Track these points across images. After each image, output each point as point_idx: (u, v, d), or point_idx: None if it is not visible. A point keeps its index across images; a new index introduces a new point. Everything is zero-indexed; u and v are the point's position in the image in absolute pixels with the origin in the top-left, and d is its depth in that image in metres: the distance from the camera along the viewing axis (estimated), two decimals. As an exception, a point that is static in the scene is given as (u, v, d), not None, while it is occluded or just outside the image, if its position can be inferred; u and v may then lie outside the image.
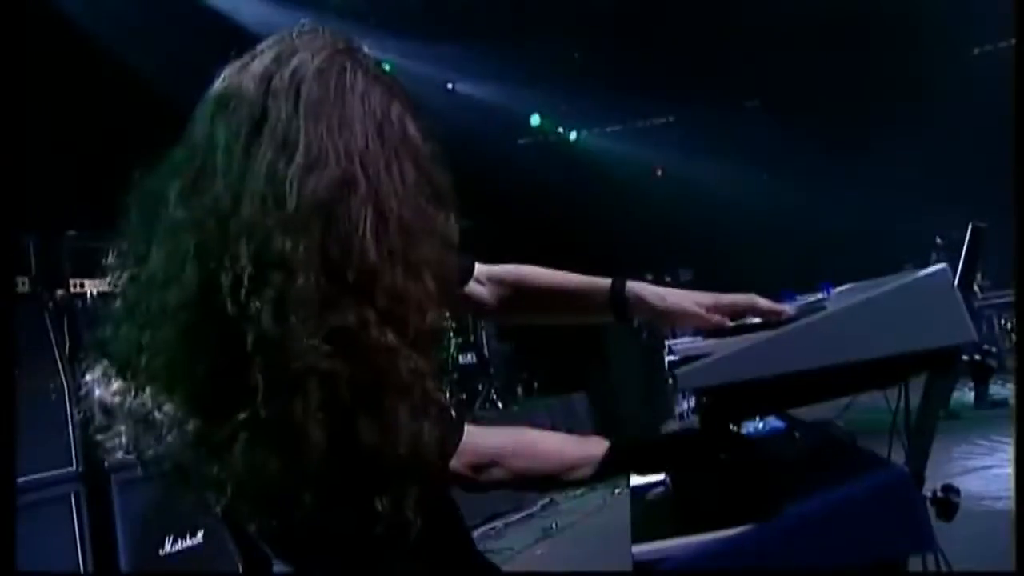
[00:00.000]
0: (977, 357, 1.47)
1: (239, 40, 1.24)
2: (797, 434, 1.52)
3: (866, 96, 10.91)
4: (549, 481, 1.31)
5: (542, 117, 12.07)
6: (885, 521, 1.08)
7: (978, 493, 4.81)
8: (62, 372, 3.90)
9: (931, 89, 10.29)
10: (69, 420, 3.90)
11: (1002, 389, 7.84)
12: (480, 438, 1.23)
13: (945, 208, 8.33)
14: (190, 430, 1.09)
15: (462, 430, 1.20)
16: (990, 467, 5.58)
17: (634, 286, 1.55)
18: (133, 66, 5.84)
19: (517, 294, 1.63)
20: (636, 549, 1.16)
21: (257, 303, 1.01)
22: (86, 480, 3.92)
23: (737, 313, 1.47)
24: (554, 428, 8.14)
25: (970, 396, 7.68)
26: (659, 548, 1.15)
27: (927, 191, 10.31)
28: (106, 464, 3.97)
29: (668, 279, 10.04)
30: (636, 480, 1.47)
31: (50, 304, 4.01)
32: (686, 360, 1.19)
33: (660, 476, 1.45)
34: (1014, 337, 9.42)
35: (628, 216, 11.86)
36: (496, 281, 1.64)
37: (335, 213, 1.05)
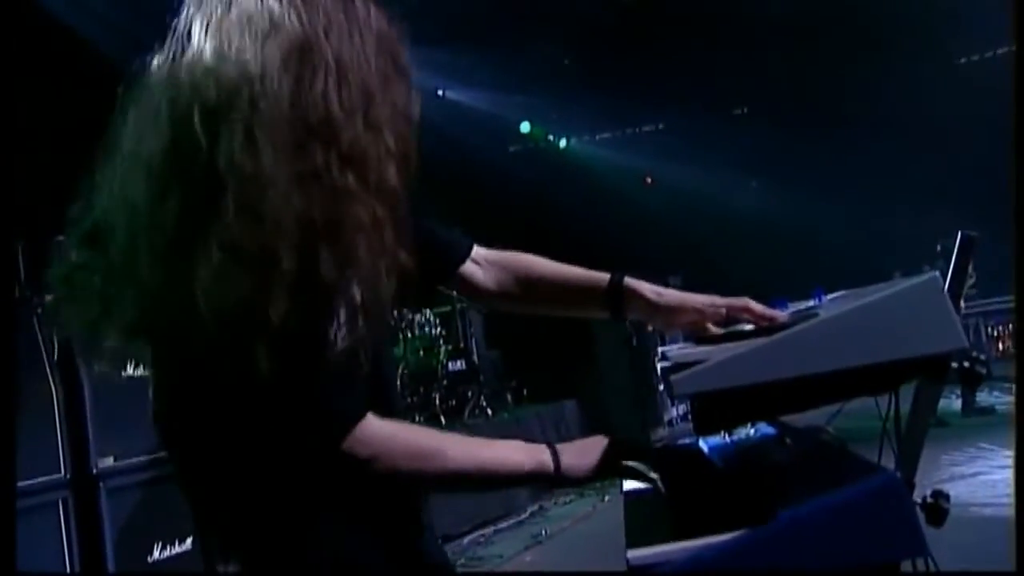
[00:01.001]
0: (967, 364, 1.50)
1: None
2: (788, 440, 1.53)
3: (853, 104, 10.99)
4: (433, 481, 1.29)
5: (532, 124, 12.10)
6: (877, 526, 1.09)
7: (966, 500, 4.85)
8: (51, 378, 3.88)
9: (917, 98, 10.37)
10: (58, 426, 3.87)
11: (988, 396, 7.91)
12: (365, 431, 1.21)
13: (934, 215, 8.39)
14: (158, 262, 1.13)
15: (361, 414, 1.20)
16: (978, 474, 5.62)
17: (631, 282, 1.57)
18: (127, 70, 5.83)
19: (515, 281, 1.63)
20: (631, 554, 1.17)
21: (228, 130, 1.11)
22: (74, 486, 3.90)
23: (732, 315, 1.49)
24: (544, 435, 8.15)
25: (958, 404, 7.73)
26: (655, 553, 1.16)
27: (915, 198, 10.39)
28: (95, 471, 3.97)
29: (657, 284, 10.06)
30: (629, 485, 1.48)
31: (39, 309, 3.98)
32: (680, 366, 1.20)
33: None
34: (1000, 345, 9.50)
35: (617, 223, 11.89)
36: (495, 265, 1.64)
37: (299, 72, 1.15)
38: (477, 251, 1.63)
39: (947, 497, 1.23)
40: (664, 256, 11.18)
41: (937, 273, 1.13)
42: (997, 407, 7.58)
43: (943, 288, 1.12)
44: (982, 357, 1.54)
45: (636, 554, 1.16)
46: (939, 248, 7.63)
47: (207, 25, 1.20)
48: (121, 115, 1.23)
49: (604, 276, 1.60)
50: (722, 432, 1.65)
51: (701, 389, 1.14)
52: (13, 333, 3.36)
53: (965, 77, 10.80)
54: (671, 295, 1.56)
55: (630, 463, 1.34)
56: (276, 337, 1.09)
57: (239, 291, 1.08)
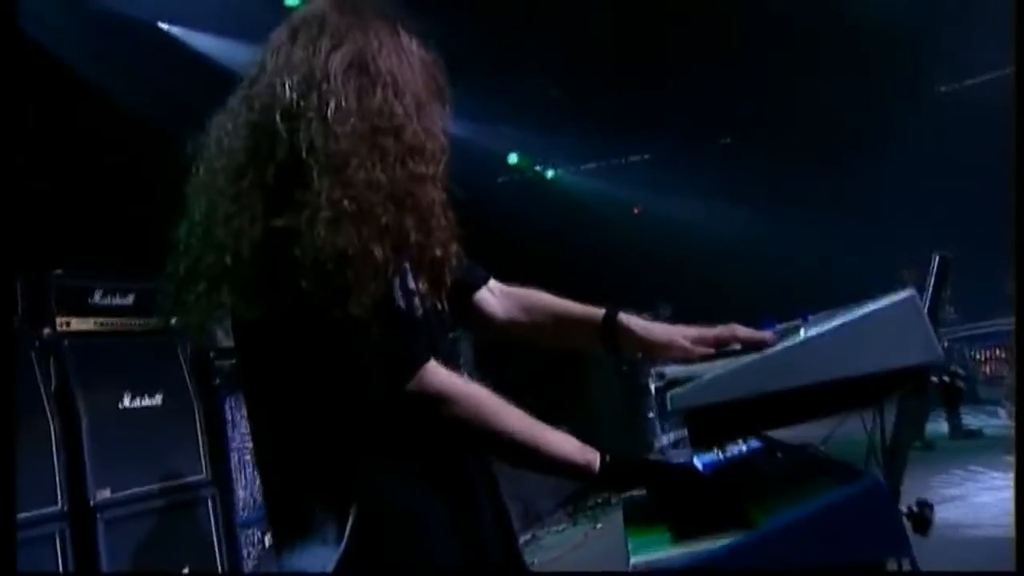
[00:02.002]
0: (946, 379, 1.59)
1: (224, 81, 1.54)
2: (779, 453, 1.62)
3: (836, 131, 11.18)
4: (485, 442, 1.43)
5: (520, 155, 12.22)
6: (862, 526, 1.17)
7: (956, 522, 4.91)
8: (48, 409, 3.93)
9: (901, 126, 10.57)
10: (55, 458, 3.90)
11: (976, 419, 8.01)
12: (436, 375, 1.39)
13: (917, 240, 8.53)
14: (262, 228, 1.34)
15: (428, 358, 1.38)
16: (967, 496, 5.69)
17: (624, 317, 1.69)
18: (119, 105, 5.92)
19: (522, 311, 1.77)
20: (634, 559, 1.24)
21: (306, 122, 1.34)
22: (71, 518, 3.93)
23: (720, 343, 1.58)
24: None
25: (945, 427, 7.82)
26: (655, 559, 1.23)
27: (898, 223, 10.55)
28: (92, 502, 4.00)
29: (647, 314, 10.16)
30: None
31: (36, 342, 4.04)
32: (676, 382, 1.28)
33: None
34: (988, 368, 9.62)
35: (607, 252, 11.99)
36: (507, 296, 1.78)
37: (360, 81, 1.38)
38: (493, 283, 1.78)
39: (931, 507, 1.31)
40: (654, 284, 11.28)
41: (914, 291, 1.22)
42: (985, 430, 7.68)
43: (919, 304, 1.21)
44: (961, 372, 1.63)
45: (639, 559, 1.24)
46: (907, 268, 7.66)
47: (276, 50, 1.45)
48: (204, 135, 1.47)
49: (600, 311, 1.72)
50: (715, 449, 1.73)
51: (698, 403, 1.23)
52: (13, 365, 3.42)
53: (947, 105, 11.03)
54: (659, 330, 1.68)
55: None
56: (374, 279, 1.29)
57: (350, 239, 1.29)
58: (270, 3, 7.73)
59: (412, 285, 1.47)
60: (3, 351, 2.38)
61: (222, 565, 4.38)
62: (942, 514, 1.36)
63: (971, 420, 7.96)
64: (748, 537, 1.20)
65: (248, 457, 4.74)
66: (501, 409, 1.42)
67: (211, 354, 4.71)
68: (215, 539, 4.44)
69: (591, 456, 1.43)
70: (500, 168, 12.35)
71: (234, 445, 4.73)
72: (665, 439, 9.78)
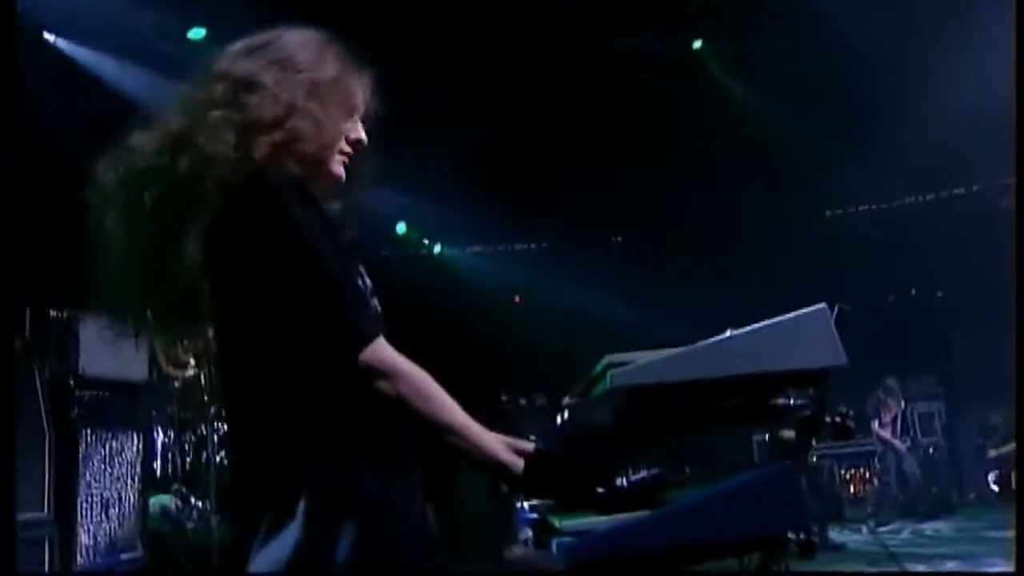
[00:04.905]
0: (838, 419, 1.87)
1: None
2: (687, 469, 1.84)
3: (729, 234, 11.91)
4: (422, 422, 1.55)
5: (408, 226, 12.43)
6: (767, 503, 1.39)
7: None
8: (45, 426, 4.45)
9: (788, 243, 11.38)
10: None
11: (839, 535, 8.50)
12: (388, 349, 1.55)
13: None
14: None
15: (379, 333, 1.55)
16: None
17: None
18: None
19: None
20: (564, 524, 1.43)
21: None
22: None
23: None
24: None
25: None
26: (583, 523, 1.42)
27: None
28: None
29: (523, 401, 10.46)
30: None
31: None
32: (617, 364, 1.50)
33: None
34: (853, 488, 10.25)
35: (485, 338, 12.19)
36: None
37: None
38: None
39: (851, 416, 1.57)
40: (531, 373, 11.53)
41: (824, 304, 1.48)
42: (849, 544, 8.16)
43: (828, 314, 1.47)
44: (851, 413, 1.91)
45: (568, 524, 1.43)
46: None
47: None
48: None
49: None
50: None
51: (638, 382, 1.43)
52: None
53: (833, 227, 12.03)
54: None
55: None
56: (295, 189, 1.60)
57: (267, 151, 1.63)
58: (167, 33, 7.88)
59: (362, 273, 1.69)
60: None
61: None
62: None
63: (835, 535, 8.45)
64: (670, 507, 1.41)
65: (96, 498, 4.64)
66: (442, 394, 1.57)
67: (71, 382, 4.63)
68: (48, 585, 4.30)
69: (515, 459, 1.57)
70: (387, 239, 12.49)
71: (84, 482, 4.61)
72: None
